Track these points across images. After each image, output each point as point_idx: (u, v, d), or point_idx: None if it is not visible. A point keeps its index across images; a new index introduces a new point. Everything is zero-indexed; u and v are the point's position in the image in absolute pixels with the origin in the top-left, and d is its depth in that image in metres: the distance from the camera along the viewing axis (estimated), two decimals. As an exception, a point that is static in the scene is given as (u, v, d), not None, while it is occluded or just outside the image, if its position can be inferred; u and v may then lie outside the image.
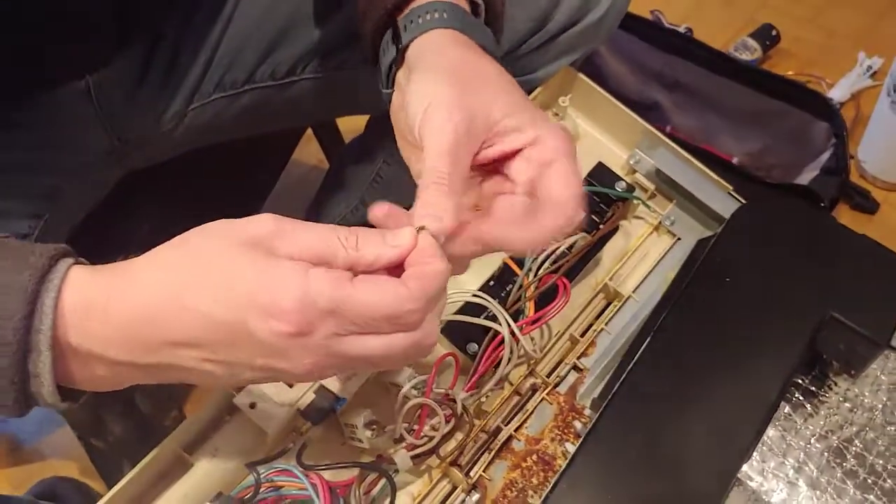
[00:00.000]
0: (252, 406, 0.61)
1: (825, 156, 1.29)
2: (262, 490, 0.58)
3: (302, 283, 0.42)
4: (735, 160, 1.37)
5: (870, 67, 1.51)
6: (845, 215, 1.35)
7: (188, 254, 0.44)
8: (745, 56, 1.52)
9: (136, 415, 1.03)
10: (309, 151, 1.34)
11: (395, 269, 0.46)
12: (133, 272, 0.44)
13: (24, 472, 1.17)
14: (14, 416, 0.45)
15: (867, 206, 1.33)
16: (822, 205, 1.20)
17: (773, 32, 1.55)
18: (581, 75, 0.81)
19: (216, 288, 0.42)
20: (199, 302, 0.42)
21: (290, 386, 0.63)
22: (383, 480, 0.60)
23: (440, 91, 0.51)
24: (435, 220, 0.47)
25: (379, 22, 0.59)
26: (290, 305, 0.41)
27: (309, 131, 1.22)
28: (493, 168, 0.54)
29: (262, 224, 0.44)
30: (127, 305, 0.43)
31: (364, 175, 1.04)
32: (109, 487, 0.59)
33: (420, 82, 0.53)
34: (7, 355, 0.42)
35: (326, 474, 0.59)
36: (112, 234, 0.94)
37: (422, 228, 0.47)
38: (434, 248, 0.46)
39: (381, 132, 1.00)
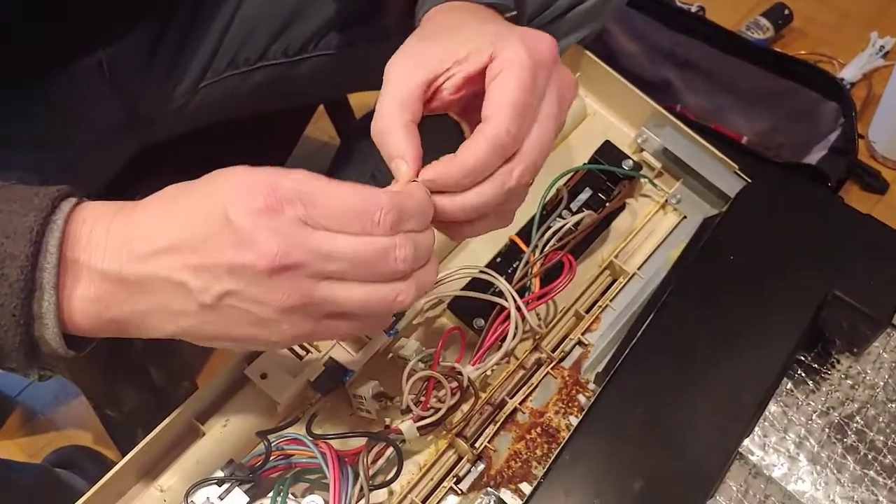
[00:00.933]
0: (263, 377, 0.63)
1: (834, 135, 1.29)
2: (272, 458, 0.60)
3: (277, 174, 0.44)
4: (744, 139, 1.37)
5: (882, 48, 1.51)
6: (855, 195, 1.35)
7: (190, 183, 0.46)
8: (757, 35, 1.52)
9: (150, 385, 1.05)
10: (320, 127, 1.35)
11: None
12: (139, 202, 0.47)
13: (39, 441, 1.20)
14: (20, 369, 0.47)
15: (877, 186, 1.33)
16: (830, 184, 1.20)
17: (786, 12, 1.55)
18: (589, 53, 0.81)
19: (207, 187, 0.45)
20: (190, 202, 0.45)
21: (300, 358, 0.64)
22: (390, 450, 0.62)
23: (408, 45, 0.54)
24: (401, 165, 0.51)
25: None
26: (263, 185, 0.43)
27: (320, 107, 1.23)
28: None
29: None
30: (127, 221, 0.45)
31: (375, 150, 1.05)
32: (123, 455, 0.60)
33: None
34: (13, 294, 0.43)
35: (335, 443, 0.60)
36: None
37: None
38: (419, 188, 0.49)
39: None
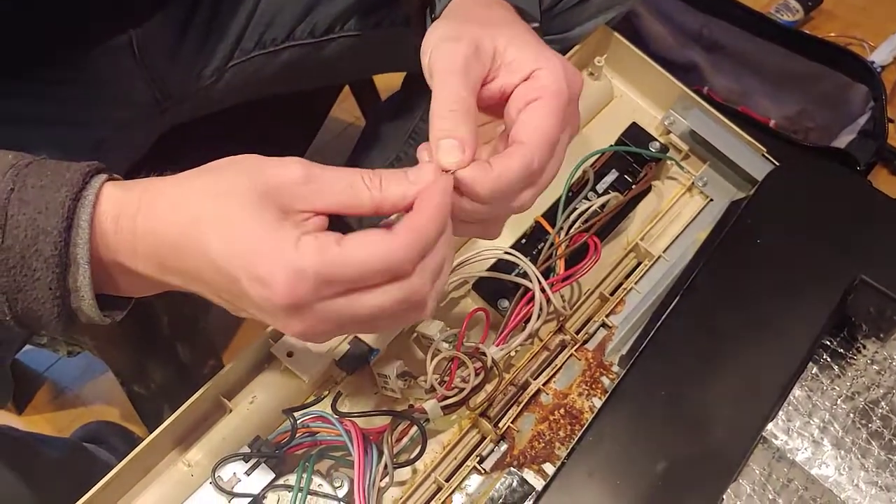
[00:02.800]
0: (289, 355, 0.63)
1: (863, 119, 1.28)
2: (297, 435, 0.61)
3: (294, 257, 0.42)
4: (772, 123, 1.36)
5: (914, 30, 1.48)
6: (884, 179, 1.34)
7: (212, 186, 0.45)
8: (786, 17, 1.50)
9: (177, 363, 1.06)
10: (346, 108, 1.35)
11: None
12: (162, 191, 0.46)
13: (68, 417, 1.21)
14: (58, 333, 0.47)
15: (906, 170, 1.32)
16: (859, 168, 1.19)
17: (816, -7, 1.53)
18: (617, 35, 0.81)
19: (223, 235, 0.43)
20: (206, 244, 0.43)
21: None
22: (414, 428, 0.62)
23: (447, 27, 0.52)
24: (454, 148, 0.48)
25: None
26: (281, 278, 0.42)
27: (346, 88, 1.23)
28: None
29: (291, 170, 0.45)
30: (152, 224, 0.45)
31: (400, 132, 1.05)
32: (150, 431, 0.61)
33: (431, 29, 0.54)
34: (49, 269, 0.44)
35: (360, 421, 0.61)
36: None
37: (446, 171, 0.47)
38: (445, 185, 0.46)
39: (418, 89, 1.00)
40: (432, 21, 0.58)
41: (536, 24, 0.60)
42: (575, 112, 0.54)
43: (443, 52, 0.51)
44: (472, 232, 0.55)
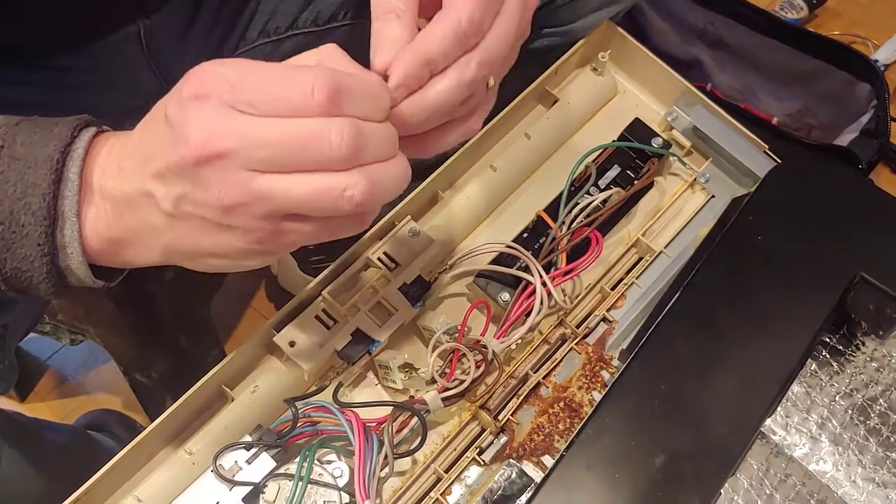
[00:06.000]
0: (291, 345, 0.64)
1: (866, 117, 1.28)
2: (299, 425, 0.61)
3: (215, 63, 0.43)
4: (775, 120, 1.36)
5: (918, 29, 1.48)
6: (885, 178, 1.34)
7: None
8: (791, 15, 1.50)
9: (179, 352, 1.06)
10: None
11: None
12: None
13: (70, 405, 1.22)
14: (49, 295, 0.47)
15: (909, 169, 1.32)
16: (860, 166, 1.19)
17: (821, -9, 1.53)
18: (621, 31, 0.81)
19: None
20: (152, 113, 0.45)
21: (328, 328, 0.65)
22: (415, 420, 0.62)
23: None
24: (387, 52, 0.46)
25: None
26: (193, 74, 0.42)
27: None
28: None
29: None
30: (122, 143, 0.46)
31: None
32: (152, 420, 0.61)
33: None
34: (37, 223, 0.44)
35: (361, 412, 0.61)
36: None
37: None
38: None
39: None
40: None
41: None
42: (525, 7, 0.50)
43: None
44: (451, 135, 0.51)
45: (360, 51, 0.88)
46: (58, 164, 0.44)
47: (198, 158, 0.41)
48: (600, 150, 0.75)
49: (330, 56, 0.45)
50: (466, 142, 0.73)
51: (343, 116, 0.42)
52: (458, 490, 0.64)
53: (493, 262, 0.70)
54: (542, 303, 0.67)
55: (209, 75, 0.42)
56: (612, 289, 0.73)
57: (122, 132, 0.47)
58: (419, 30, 0.48)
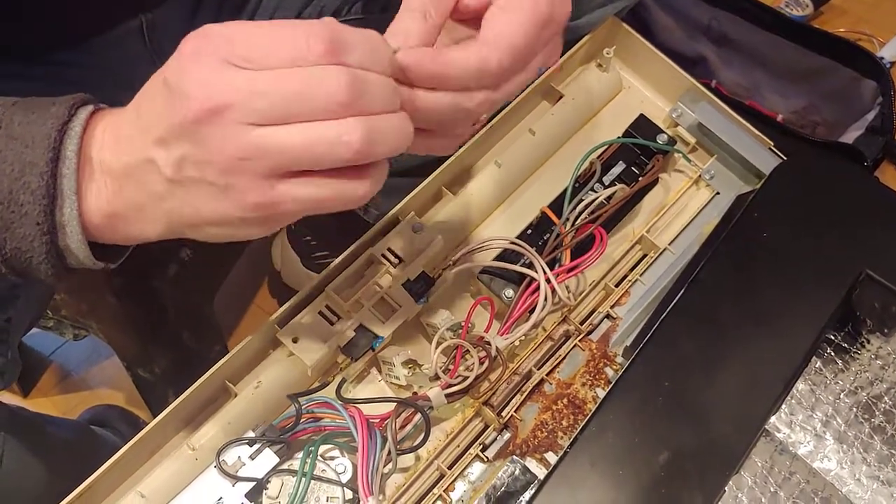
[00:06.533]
0: (295, 340, 0.64)
1: (871, 115, 1.28)
2: (302, 420, 0.61)
3: (212, 25, 0.43)
4: (780, 117, 1.35)
5: (924, 26, 1.48)
6: (891, 175, 1.34)
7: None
8: (796, 12, 1.50)
9: (182, 348, 1.06)
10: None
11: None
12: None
13: (72, 400, 1.22)
14: (50, 279, 0.46)
15: (913, 167, 1.32)
16: (865, 164, 1.19)
17: (826, -12, 1.53)
18: (626, 27, 0.81)
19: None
20: (149, 82, 0.44)
21: (332, 324, 0.65)
22: (418, 416, 0.62)
23: None
24: (398, 34, 0.47)
25: None
26: (192, 35, 0.42)
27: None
28: None
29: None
30: (121, 116, 0.46)
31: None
32: (154, 416, 0.61)
33: None
34: (36, 202, 0.43)
35: (364, 408, 0.61)
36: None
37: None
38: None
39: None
40: None
41: None
42: (556, 40, 0.51)
43: None
44: (421, 144, 0.50)
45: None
46: (55, 143, 0.44)
47: (197, 114, 0.41)
48: (605, 147, 0.75)
49: (329, 20, 0.44)
50: (471, 137, 0.73)
51: (341, 65, 0.41)
52: (461, 486, 0.64)
53: (497, 258, 0.70)
54: (545, 299, 0.67)
55: (208, 32, 0.42)
56: (617, 286, 0.73)
57: (119, 108, 0.47)
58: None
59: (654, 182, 0.76)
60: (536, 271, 0.67)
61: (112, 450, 0.59)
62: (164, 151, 0.43)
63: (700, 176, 0.78)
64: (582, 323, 0.71)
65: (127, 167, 0.45)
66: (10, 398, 1.21)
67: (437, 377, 0.64)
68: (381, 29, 0.83)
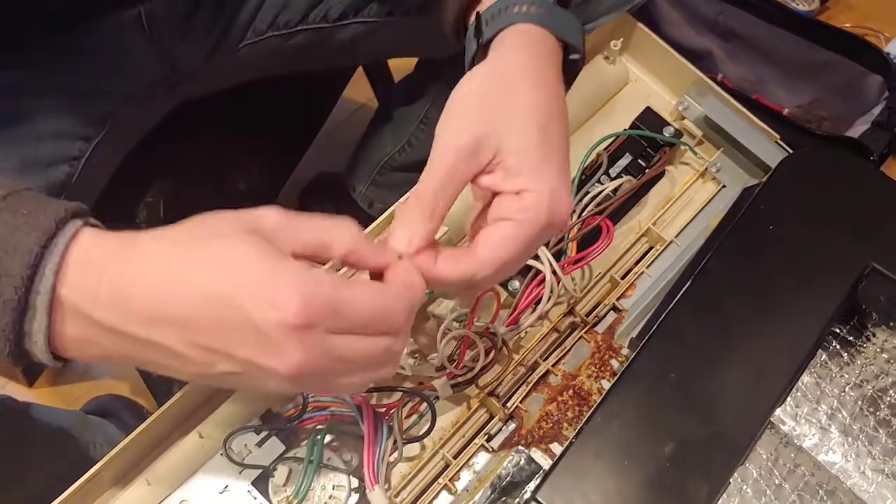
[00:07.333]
0: (301, 330, 0.64)
1: (877, 109, 1.27)
2: (308, 409, 0.61)
3: (307, 279, 0.42)
4: (785, 111, 1.35)
5: (930, 22, 1.48)
6: (896, 171, 1.34)
7: (196, 231, 0.44)
8: (802, 6, 1.49)
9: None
10: (359, 89, 1.35)
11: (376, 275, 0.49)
12: (138, 240, 0.44)
13: (78, 390, 1.22)
14: (10, 365, 0.46)
15: (919, 162, 1.32)
16: (872, 158, 1.19)
17: (833, -17, 1.52)
18: (633, 19, 0.81)
19: (220, 267, 0.42)
20: (199, 279, 0.42)
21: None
22: (424, 405, 0.63)
23: (467, 98, 0.52)
24: (403, 243, 0.49)
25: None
26: (296, 299, 0.41)
27: (359, 69, 1.23)
28: None
29: (269, 213, 0.44)
30: (124, 267, 0.43)
31: (412, 116, 1.05)
32: (159, 406, 0.61)
33: (465, 80, 0.53)
34: (5, 311, 0.42)
35: (370, 397, 0.61)
36: (169, 162, 0.97)
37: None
38: (409, 267, 0.49)
39: (430, 74, 1.00)
40: (479, 47, 0.57)
41: (577, 56, 0.59)
42: (550, 233, 0.53)
43: (441, 138, 0.51)
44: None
45: (371, 48, 0.88)
46: (36, 259, 0.42)
47: (289, 374, 0.42)
48: (612, 139, 0.75)
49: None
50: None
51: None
52: (466, 476, 0.64)
53: (504, 249, 0.70)
54: (551, 291, 0.67)
55: (314, 306, 0.42)
56: (622, 278, 0.73)
57: (103, 237, 0.44)
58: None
59: (661, 174, 0.76)
60: (542, 263, 0.67)
61: (110, 439, 0.59)
62: (209, 360, 0.43)
63: (706, 169, 0.78)
64: (588, 314, 0.71)
65: (140, 339, 0.43)
66: (15, 389, 1.21)
67: (442, 367, 0.64)
68: (412, 33, 0.83)
